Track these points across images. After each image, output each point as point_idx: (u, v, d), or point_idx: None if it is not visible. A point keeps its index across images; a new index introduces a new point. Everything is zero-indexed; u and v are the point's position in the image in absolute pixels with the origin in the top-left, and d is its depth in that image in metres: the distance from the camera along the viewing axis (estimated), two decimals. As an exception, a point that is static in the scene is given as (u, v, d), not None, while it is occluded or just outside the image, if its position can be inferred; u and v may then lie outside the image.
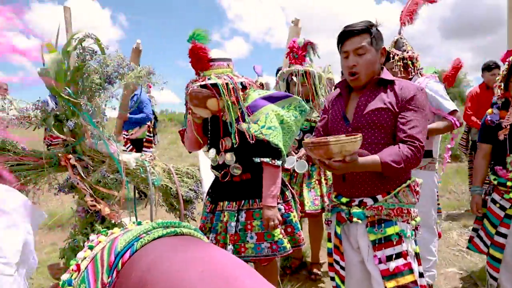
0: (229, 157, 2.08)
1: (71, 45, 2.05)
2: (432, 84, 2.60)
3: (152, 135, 5.68)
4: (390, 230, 1.70)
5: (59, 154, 2.07)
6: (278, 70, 3.53)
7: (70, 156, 2.07)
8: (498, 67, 4.44)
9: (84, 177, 2.07)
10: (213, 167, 2.21)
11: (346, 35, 1.75)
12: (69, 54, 2.06)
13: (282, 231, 2.05)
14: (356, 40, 1.72)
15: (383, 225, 1.71)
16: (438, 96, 2.57)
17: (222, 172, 2.09)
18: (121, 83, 2.16)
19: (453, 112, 2.53)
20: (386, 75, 1.79)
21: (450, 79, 4.26)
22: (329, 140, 1.47)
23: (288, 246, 2.04)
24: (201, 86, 1.97)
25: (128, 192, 2.12)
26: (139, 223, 0.95)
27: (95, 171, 2.11)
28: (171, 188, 2.16)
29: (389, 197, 1.74)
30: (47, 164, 2.04)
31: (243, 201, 2.07)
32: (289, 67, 3.00)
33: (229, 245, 1.99)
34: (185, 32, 2.17)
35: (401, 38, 2.72)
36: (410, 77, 2.62)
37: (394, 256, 1.68)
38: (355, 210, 1.74)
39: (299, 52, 2.93)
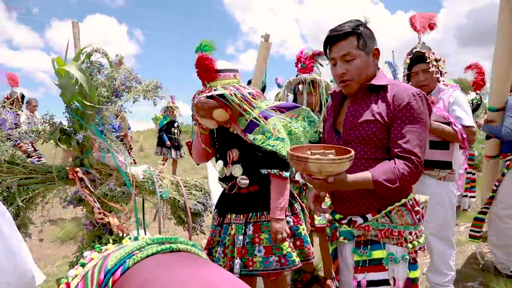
0: (237, 169, 2.06)
1: (80, 59, 2.08)
2: (458, 94, 2.54)
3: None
4: (377, 254, 1.52)
5: (67, 168, 2.08)
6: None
7: (78, 169, 2.08)
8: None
9: (92, 190, 2.07)
10: (220, 179, 2.19)
11: (331, 40, 1.57)
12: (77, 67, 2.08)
13: (291, 244, 2.01)
14: (342, 45, 1.54)
15: (369, 246, 1.54)
16: (460, 107, 2.49)
17: (230, 184, 2.06)
18: (128, 96, 2.17)
19: (467, 128, 2.44)
20: (379, 79, 1.59)
21: (481, 83, 4.20)
22: (308, 157, 1.26)
23: (297, 259, 1.99)
24: (208, 97, 1.95)
25: (136, 205, 2.10)
26: (135, 239, 0.92)
27: (103, 184, 2.11)
28: (179, 201, 2.14)
29: (380, 216, 1.55)
30: (56, 178, 2.05)
31: (250, 214, 2.04)
32: (296, 76, 2.97)
33: (236, 258, 1.95)
34: (196, 44, 2.18)
35: (424, 43, 2.67)
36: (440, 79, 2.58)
37: (377, 282, 1.51)
38: (343, 228, 1.62)
39: (307, 62, 2.90)
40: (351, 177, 1.41)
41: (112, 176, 2.12)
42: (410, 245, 1.53)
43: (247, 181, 2.03)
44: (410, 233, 1.54)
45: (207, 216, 2.42)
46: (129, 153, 7.18)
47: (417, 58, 2.56)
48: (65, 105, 2.05)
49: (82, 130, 2.06)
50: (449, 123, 2.42)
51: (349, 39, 1.53)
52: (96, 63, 2.12)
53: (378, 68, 1.65)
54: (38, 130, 2.01)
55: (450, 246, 2.60)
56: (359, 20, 1.59)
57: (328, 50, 1.61)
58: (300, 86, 2.91)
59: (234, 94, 1.93)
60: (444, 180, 2.53)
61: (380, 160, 1.51)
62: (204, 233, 2.43)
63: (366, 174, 1.43)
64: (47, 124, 2.01)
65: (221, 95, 1.93)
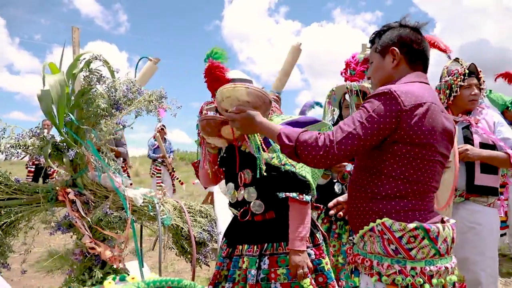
0: (250, 193, 1.80)
1: (77, 67, 1.87)
2: (497, 114, 2.39)
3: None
4: (357, 281, 1.40)
5: (57, 188, 1.83)
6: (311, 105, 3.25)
7: (69, 190, 1.83)
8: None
9: (84, 214, 1.81)
10: (231, 205, 1.93)
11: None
12: (75, 76, 1.87)
13: (313, 281, 1.74)
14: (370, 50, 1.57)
15: (353, 273, 1.42)
16: (504, 127, 2.31)
17: (242, 210, 1.81)
18: (130, 109, 1.95)
19: None
20: (401, 82, 1.39)
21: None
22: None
23: None
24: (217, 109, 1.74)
25: (134, 232, 1.84)
26: (122, 278, 0.68)
27: (97, 208, 1.86)
28: (182, 228, 1.88)
29: (357, 238, 1.40)
30: (43, 199, 1.80)
31: (266, 245, 1.77)
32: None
33: None
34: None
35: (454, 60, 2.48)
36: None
37: None
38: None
39: (357, 67, 2.57)
40: (264, 121, 1.43)
41: (108, 199, 1.87)
42: (385, 278, 1.27)
43: (262, 207, 1.78)
44: (387, 267, 1.28)
45: (212, 246, 2.16)
46: (172, 176, 6.83)
47: (472, 72, 2.36)
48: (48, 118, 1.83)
49: (76, 146, 1.82)
50: (494, 146, 2.22)
51: (373, 45, 1.54)
52: (96, 71, 1.91)
53: (419, 71, 1.44)
54: (25, 144, 1.77)
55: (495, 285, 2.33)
56: (394, 23, 1.49)
57: None
58: (347, 96, 2.46)
59: None
60: (492, 207, 2.29)
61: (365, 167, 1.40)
62: (209, 266, 2.15)
63: (275, 126, 1.41)
64: (35, 138, 1.77)
65: None
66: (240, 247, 1.82)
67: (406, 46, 1.43)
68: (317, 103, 3.38)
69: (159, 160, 6.75)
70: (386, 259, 1.29)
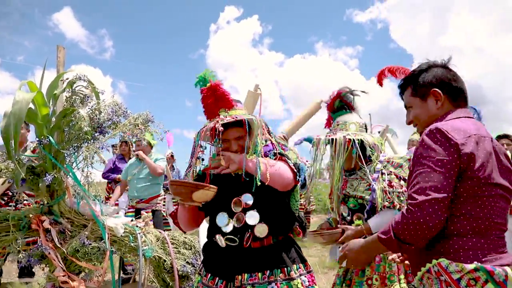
0: (252, 216, 1.70)
1: (60, 87, 1.77)
2: None
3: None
4: None
5: (30, 215, 1.70)
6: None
7: (44, 217, 1.70)
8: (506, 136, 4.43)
9: (59, 244, 1.68)
10: (224, 234, 1.78)
11: (400, 92, 1.58)
12: (57, 97, 1.77)
13: None
14: (405, 97, 1.54)
15: None
16: None
17: (246, 237, 1.69)
18: (113, 133, 1.85)
19: None
20: (447, 119, 1.37)
21: None
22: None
23: None
24: (224, 124, 1.67)
25: (112, 265, 1.71)
26: None
27: (74, 237, 1.72)
28: (165, 260, 1.75)
29: (417, 281, 1.32)
30: (14, 228, 1.66)
31: (268, 272, 1.66)
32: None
33: None
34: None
35: None
36: None
37: None
38: None
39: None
40: (361, 244, 1.36)
41: (87, 228, 1.74)
42: None
43: (266, 230, 1.68)
44: None
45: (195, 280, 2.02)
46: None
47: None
48: (37, 139, 1.72)
49: (54, 171, 1.71)
50: None
51: (407, 90, 1.52)
52: (79, 92, 1.82)
53: (463, 108, 1.42)
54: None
55: None
56: (422, 66, 1.50)
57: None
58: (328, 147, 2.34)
59: (260, 121, 1.71)
60: None
61: None
62: (192, 301, 2.01)
63: (373, 237, 1.32)
64: (10, 161, 1.65)
65: (239, 123, 1.68)
66: (240, 277, 1.69)
67: (446, 85, 1.41)
68: (307, 139, 3.29)
69: (164, 187, 6.49)
70: None
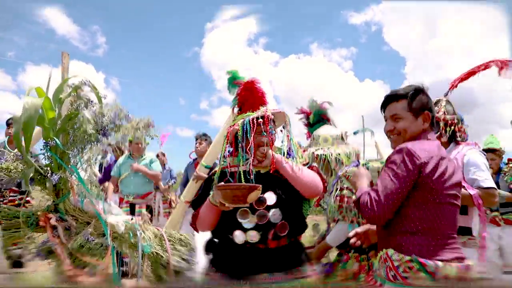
0: (276, 214, 1.77)
1: (64, 92, 1.88)
2: (472, 154, 2.33)
3: None
4: None
5: (38, 213, 1.82)
6: None
7: (51, 215, 1.82)
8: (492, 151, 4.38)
9: (65, 240, 1.80)
10: (246, 230, 1.79)
11: (387, 101, 1.79)
12: (62, 101, 1.88)
13: None
14: (395, 106, 1.74)
15: None
16: (475, 168, 2.28)
17: (273, 232, 1.76)
18: (116, 136, 1.96)
19: (485, 190, 2.23)
20: (421, 139, 1.70)
21: None
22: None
23: None
24: (258, 117, 1.81)
25: (114, 260, 1.83)
26: None
27: (78, 234, 1.84)
28: (162, 256, 1.87)
29: (376, 264, 1.70)
30: (23, 224, 1.78)
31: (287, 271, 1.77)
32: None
33: None
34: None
35: (442, 100, 2.53)
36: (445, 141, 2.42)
37: None
38: None
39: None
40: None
41: (90, 225, 1.86)
42: None
43: (287, 229, 1.78)
44: None
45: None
46: (167, 203, 6.49)
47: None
48: (44, 141, 1.83)
49: (60, 171, 1.82)
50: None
51: (400, 103, 1.72)
52: (84, 97, 1.92)
53: (433, 131, 1.76)
54: (8, 168, 1.76)
55: None
56: (418, 87, 1.74)
57: (383, 109, 1.81)
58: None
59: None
60: (465, 247, 2.28)
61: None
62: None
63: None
64: (18, 162, 1.76)
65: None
66: (257, 276, 1.75)
67: (432, 112, 1.73)
68: None
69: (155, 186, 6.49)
70: (388, 283, 1.56)
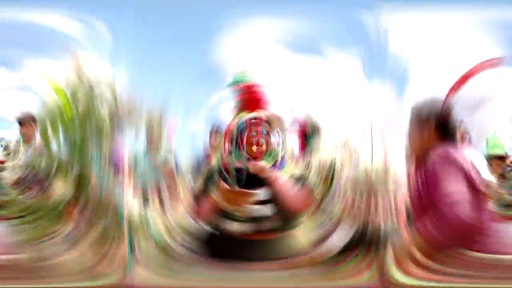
0: (267, 210, 1.82)
1: (81, 89, 1.99)
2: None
3: None
4: None
5: (62, 205, 1.95)
6: None
7: (73, 207, 1.94)
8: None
9: (86, 230, 1.91)
10: (241, 221, 1.89)
11: None
12: (78, 99, 1.99)
13: None
14: None
15: None
16: None
17: (262, 227, 1.81)
18: (131, 130, 2.03)
19: None
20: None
21: None
22: None
23: None
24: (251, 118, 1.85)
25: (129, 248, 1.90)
26: None
27: (98, 224, 1.94)
28: (171, 246, 1.90)
29: None
30: (48, 217, 1.92)
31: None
32: None
33: None
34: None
35: None
36: None
37: None
38: None
39: None
40: None
41: (108, 215, 1.95)
42: None
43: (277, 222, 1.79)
44: None
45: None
46: None
47: None
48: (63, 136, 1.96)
49: (79, 163, 1.93)
50: None
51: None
52: (99, 93, 2.02)
53: None
54: (34, 164, 1.91)
55: None
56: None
57: None
58: None
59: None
60: None
61: None
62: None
63: None
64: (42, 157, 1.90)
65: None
66: (249, 266, 1.78)
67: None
68: None
69: None
70: None
